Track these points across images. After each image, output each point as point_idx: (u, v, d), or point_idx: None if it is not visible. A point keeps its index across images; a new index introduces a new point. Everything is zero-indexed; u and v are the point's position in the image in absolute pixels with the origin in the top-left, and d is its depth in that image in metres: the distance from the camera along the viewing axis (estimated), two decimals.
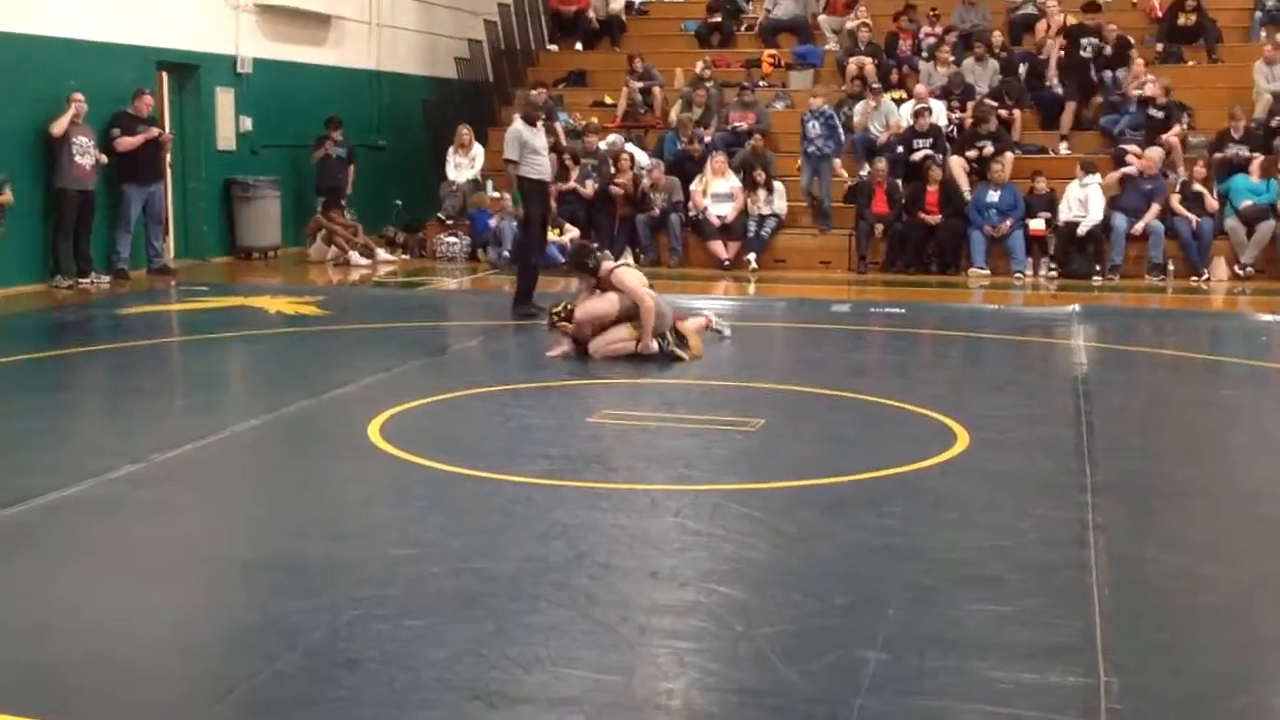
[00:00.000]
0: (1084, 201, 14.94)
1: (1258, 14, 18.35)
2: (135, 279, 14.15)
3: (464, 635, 4.34)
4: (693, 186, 16.16)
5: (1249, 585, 5.12)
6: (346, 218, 16.50)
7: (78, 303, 12.65)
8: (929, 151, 15.91)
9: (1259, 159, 15.08)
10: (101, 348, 10.42)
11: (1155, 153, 15.15)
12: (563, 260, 15.07)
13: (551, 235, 14.28)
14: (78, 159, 13.25)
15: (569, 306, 9.76)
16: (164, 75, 15.50)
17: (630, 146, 16.77)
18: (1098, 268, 14.83)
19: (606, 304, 9.59)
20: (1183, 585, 5.05)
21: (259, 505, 6.19)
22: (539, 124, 11.96)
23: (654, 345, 9.47)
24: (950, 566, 5.11)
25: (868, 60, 17.77)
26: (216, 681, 4.06)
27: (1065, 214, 15.03)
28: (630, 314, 9.56)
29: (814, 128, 15.93)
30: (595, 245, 10.25)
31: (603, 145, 16.73)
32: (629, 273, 9.86)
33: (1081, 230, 14.80)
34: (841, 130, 16.22)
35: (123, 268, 14.09)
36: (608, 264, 9.76)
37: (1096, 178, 15.01)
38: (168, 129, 15.21)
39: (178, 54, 15.36)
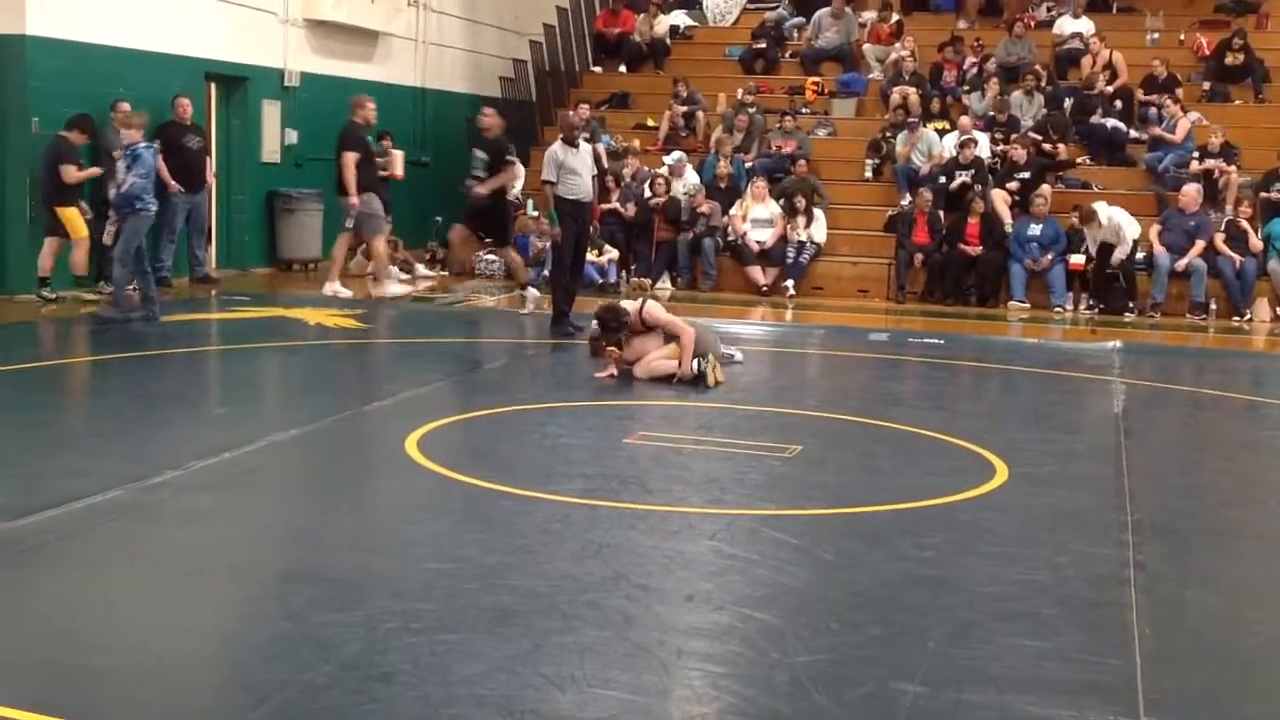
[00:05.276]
0: None
1: None
2: (177, 287, 14.25)
3: (499, 652, 4.33)
4: (732, 211, 16.17)
5: None
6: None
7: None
8: (966, 179, 15.88)
9: None
10: (143, 354, 10.48)
11: (1192, 189, 15.05)
12: (600, 281, 15.16)
13: (591, 256, 14.31)
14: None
15: (615, 340, 9.71)
16: (212, 86, 15.65)
17: (689, 168, 16.76)
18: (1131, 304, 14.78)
19: (651, 342, 9.69)
20: (1224, 627, 4.99)
21: (296, 516, 6.20)
22: (578, 144, 11.98)
23: (692, 370, 9.45)
24: (989, 600, 5.06)
25: (911, 90, 17.76)
26: (250, 691, 4.06)
27: None
28: (673, 338, 9.62)
29: (119, 170, 11.61)
30: (617, 304, 10.21)
31: (668, 160, 16.75)
32: (656, 306, 9.94)
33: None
34: (150, 170, 11.66)
35: (165, 275, 14.18)
36: (632, 307, 9.78)
37: None
38: (213, 139, 15.34)
39: (226, 66, 15.50)
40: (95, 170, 13.00)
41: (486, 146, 13.75)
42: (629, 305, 9.83)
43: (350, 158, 13.39)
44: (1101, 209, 14.71)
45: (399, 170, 15.63)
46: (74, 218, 12.71)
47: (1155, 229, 15.06)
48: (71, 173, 12.64)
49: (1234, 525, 6.60)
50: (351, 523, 5.93)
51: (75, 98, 13.10)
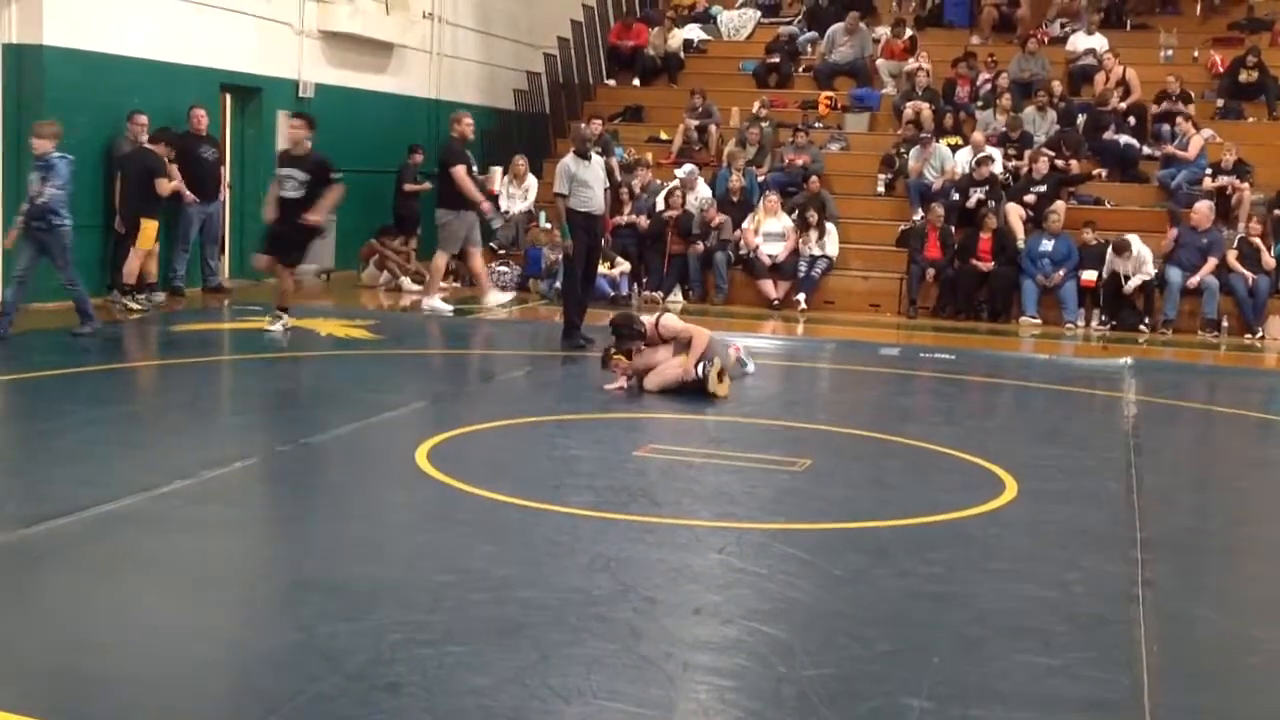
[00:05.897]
0: None
1: None
2: (190, 297, 14.30)
3: (507, 664, 4.34)
4: (744, 225, 16.19)
5: None
6: (399, 244, 16.61)
7: (133, 318, 12.76)
8: (980, 196, 15.89)
9: None
10: (155, 363, 10.52)
11: (1205, 206, 15.04)
12: (612, 294, 15.18)
13: (602, 268, 14.33)
14: None
15: (627, 349, 9.74)
16: (227, 97, 15.71)
17: (701, 181, 16.77)
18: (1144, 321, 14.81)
19: (661, 354, 9.71)
20: (1232, 645, 4.98)
21: (305, 526, 6.21)
22: (590, 157, 12.01)
23: (695, 371, 9.44)
24: (997, 616, 5.06)
25: (924, 105, 17.77)
26: (258, 700, 4.07)
27: None
28: (683, 350, 9.64)
29: (32, 181, 10.92)
30: (633, 313, 10.26)
31: (679, 173, 16.77)
32: (671, 318, 10.00)
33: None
34: (66, 182, 10.81)
35: (179, 285, 14.26)
36: (649, 319, 9.83)
37: None
38: (228, 150, 15.40)
39: (241, 77, 15.57)
40: (179, 183, 13.53)
41: (301, 164, 11.81)
42: (646, 318, 9.88)
43: (461, 170, 13.75)
44: (1134, 240, 14.73)
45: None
46: (151, 230, 12.95)
47: (1166, 242, 15.05)
48: (165, 185, 12.95)
49: (1244, 543, 6.60)
50: (361, 533, 5.94)
51: (92, 108, 13.17)
